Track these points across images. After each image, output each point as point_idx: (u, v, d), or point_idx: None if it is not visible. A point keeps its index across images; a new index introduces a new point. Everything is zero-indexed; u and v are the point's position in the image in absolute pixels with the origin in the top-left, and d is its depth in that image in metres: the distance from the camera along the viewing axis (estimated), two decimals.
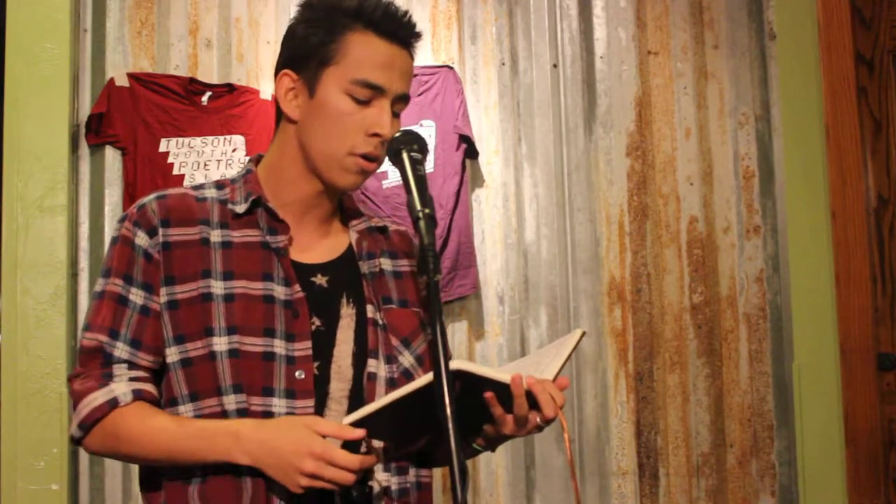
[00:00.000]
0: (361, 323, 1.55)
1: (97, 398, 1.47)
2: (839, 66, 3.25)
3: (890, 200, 3.27)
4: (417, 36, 1.56)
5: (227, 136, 3.20)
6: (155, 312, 1.50)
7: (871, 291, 3.21)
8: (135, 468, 3.09)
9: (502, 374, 1.39)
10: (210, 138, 3.19)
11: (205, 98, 3.23)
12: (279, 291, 1.51)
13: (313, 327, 1.51)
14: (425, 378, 1.33)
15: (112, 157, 3.21)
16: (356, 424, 1.40)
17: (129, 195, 3.14)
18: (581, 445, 3.31)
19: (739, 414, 3.34)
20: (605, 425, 3.32)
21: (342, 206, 1.65)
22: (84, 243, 3.17)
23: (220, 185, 1.60)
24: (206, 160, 3.17)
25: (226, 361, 1.46)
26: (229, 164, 3.16)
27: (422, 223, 1.36)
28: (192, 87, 3.22)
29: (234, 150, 3.19)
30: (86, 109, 3.20)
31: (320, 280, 1.56)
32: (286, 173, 1.57)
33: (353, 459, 1.36)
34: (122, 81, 3.18)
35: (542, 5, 3.45)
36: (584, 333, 1.50)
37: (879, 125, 3.29)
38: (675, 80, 3.45)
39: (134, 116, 3.17)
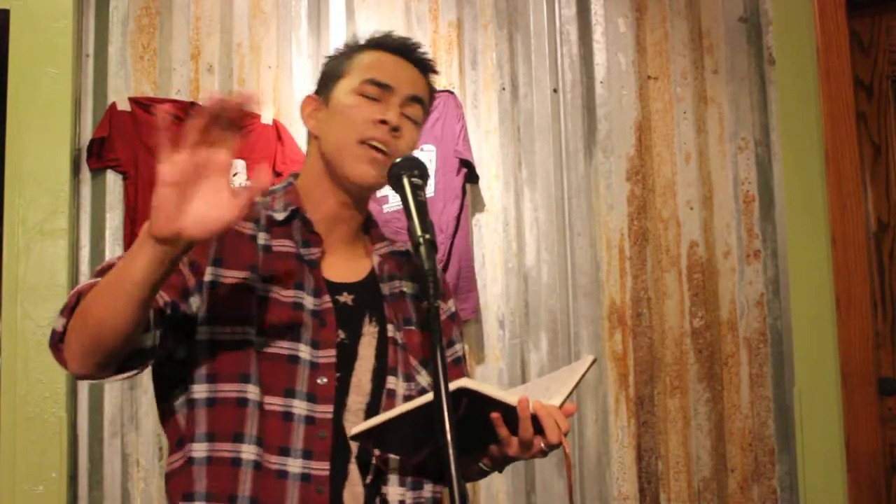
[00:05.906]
0: (382, 341, 1.60)
1: (79, 287, 1.45)
2: (838, 91, 3.26)
3: (890, 225, 3.28)
4: (427, 58, 1.71)
5: None
6: (185, 274, 1.49)
7: (871, 316, 3.21)
8: (137, 493, 3.08)
9: (509, 396, 1.41)
10: None
11: None
12: (308, 301, 1.56)
13: (338, 339, 1.55)
14: (430, 395, 1.36)
15: (113, 181, 3.21)
16: (361, 435, 1.44)
17: (130, 219, 3.14)
18: (582, 470, 3.29)
19: (740, 439, 3.33)
20: (606, 450, 3.31)
21: (368, 230, 1.71)
22: (85, 267, 3.17)
23: (264, 193, 1.67)
24: None
25: (252, 355, 1.50)
26: None
27: (422, 248, 1.41)
28: (194, 111, 3.23)
29: (234, 175, 3.19)
30: (87, 133, 3.21)
31: (346, 298, 1.61)
32: (314, 189, 1.64)
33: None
34: (124, 106, 3.19)
35: (542, 31, 3.47)
36: (594, 360, 1.54)
37: (879, 150, 3.31)
38: (674, 104, 3.46)
39: (135, 141, 3.18)
